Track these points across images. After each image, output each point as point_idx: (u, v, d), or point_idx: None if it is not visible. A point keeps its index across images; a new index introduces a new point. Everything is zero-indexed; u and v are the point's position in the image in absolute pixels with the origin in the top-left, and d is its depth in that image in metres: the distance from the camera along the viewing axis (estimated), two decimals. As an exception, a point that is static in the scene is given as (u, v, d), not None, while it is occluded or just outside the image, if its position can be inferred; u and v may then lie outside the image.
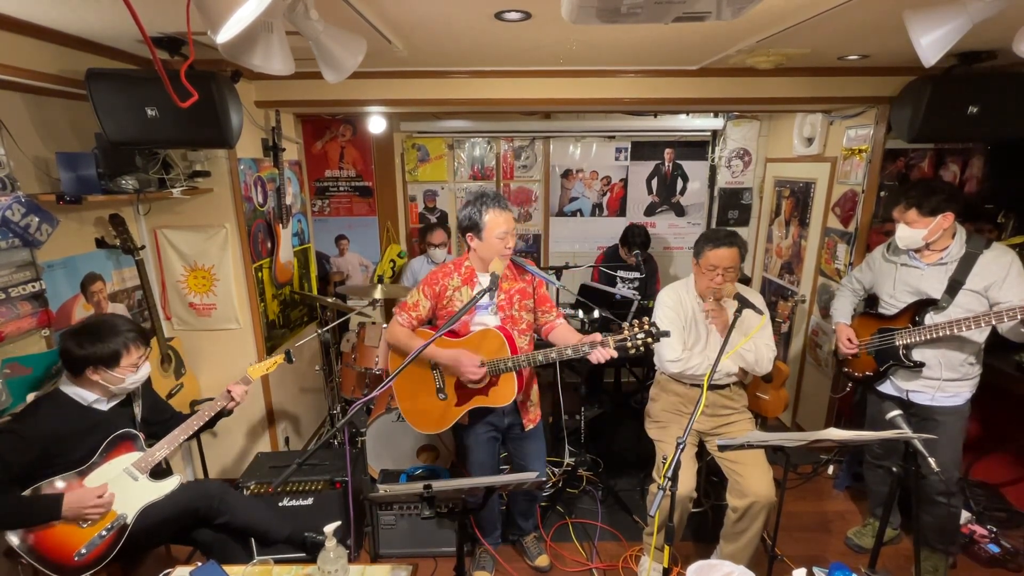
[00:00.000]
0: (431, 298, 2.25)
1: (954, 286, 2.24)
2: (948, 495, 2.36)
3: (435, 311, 2.28)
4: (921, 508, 2.47)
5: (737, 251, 2.31)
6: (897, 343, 2.35)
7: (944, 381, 2.31)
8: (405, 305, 2.26)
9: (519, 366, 2.17)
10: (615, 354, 2.06)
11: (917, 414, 2.40)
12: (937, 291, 2.28)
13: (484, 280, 2.20)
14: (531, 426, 2.42)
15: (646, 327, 2.05)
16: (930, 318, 2.29)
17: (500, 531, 2.74)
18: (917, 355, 2.33)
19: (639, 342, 2.04)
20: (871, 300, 2.61)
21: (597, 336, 2.08)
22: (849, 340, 2.54)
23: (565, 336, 2.32)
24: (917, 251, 2.34)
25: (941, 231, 2.25)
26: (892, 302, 2.43)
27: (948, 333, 2.21)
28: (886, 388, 2.48)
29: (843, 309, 2.65)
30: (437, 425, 2.33)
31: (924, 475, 2.34)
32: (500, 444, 2.49)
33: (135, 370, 1.99)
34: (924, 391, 2.36)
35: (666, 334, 2.07)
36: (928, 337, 2.26)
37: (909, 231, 2.28)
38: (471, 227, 2.18)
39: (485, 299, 2.18)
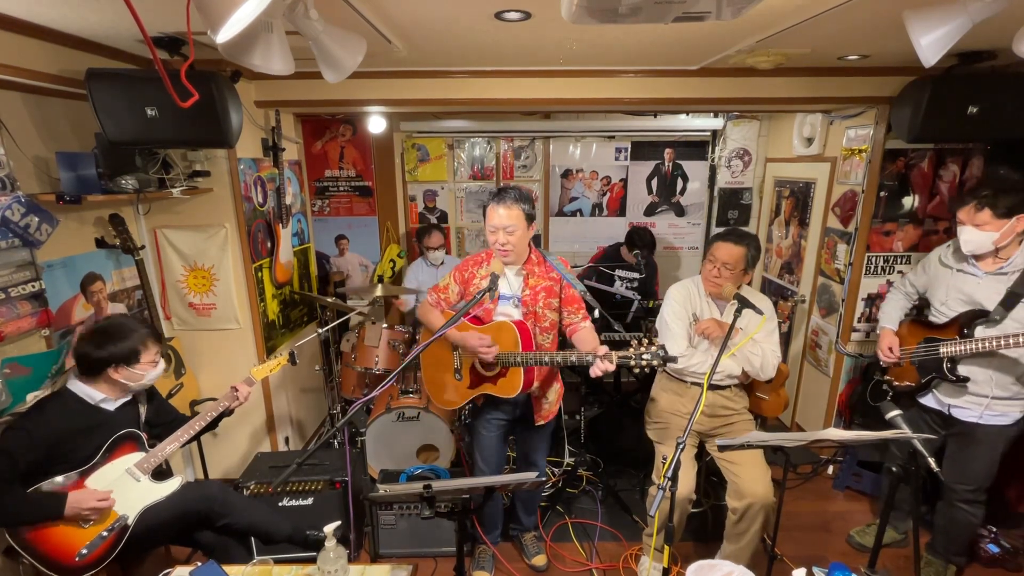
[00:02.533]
0: (459, 283, 2.33)
1: (1011, 299, 2.07)
2: (971, 503, 2.31)
3: (462, 296, 2.35)
4: (938, 512, 2.45)
5: (742, 251, 2.29)
6: (942, 355, 2.21)
7: (992, 399, 2.16)
8: (437, 287, 2.38)
9: (527, 363, 2.19)
10: (613, 368, 2.01)
11: (956, 427, 2.29)
12: (992, 302, 2.12)
13: (509, 273, 2.26)
14: (542, 422, 2.42)
15: (654, 348, 1.99)
16: (981, 331, 2.12)
17: (501, 529, 2.74)
18: (963, 370, 2.19)
19: (644, 363, 1.98)
20: (921, 307, 2.48)
21: (603, 348, 2.04)
22: (890, 349, 2.40)
23: (584, 340, 2.27)
24: (977, 258, 2.18)
25: (1014, 235, 2.08)
26: (943, 310, 2.28)
27: (997, 348, 2.05)
28: (927, 401, 2.36)
29: (890, 313, 2.51)
30: (450, 402, 2.41)
31: (947, 482, 2.30)
32: (509, 434, 2.51)
33: (154, 366, 2.03)
34: (969, 408, 2.22)
35: (673, 360, 2.02)
36: (975, 351, 2.10)
37: (979, 234, 2.10)
38: (484, 219, 2.26)
39: (507, 290, 2.25)
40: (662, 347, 2.00)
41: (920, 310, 2.52)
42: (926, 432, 2.28)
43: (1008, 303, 2.09)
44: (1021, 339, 1.99)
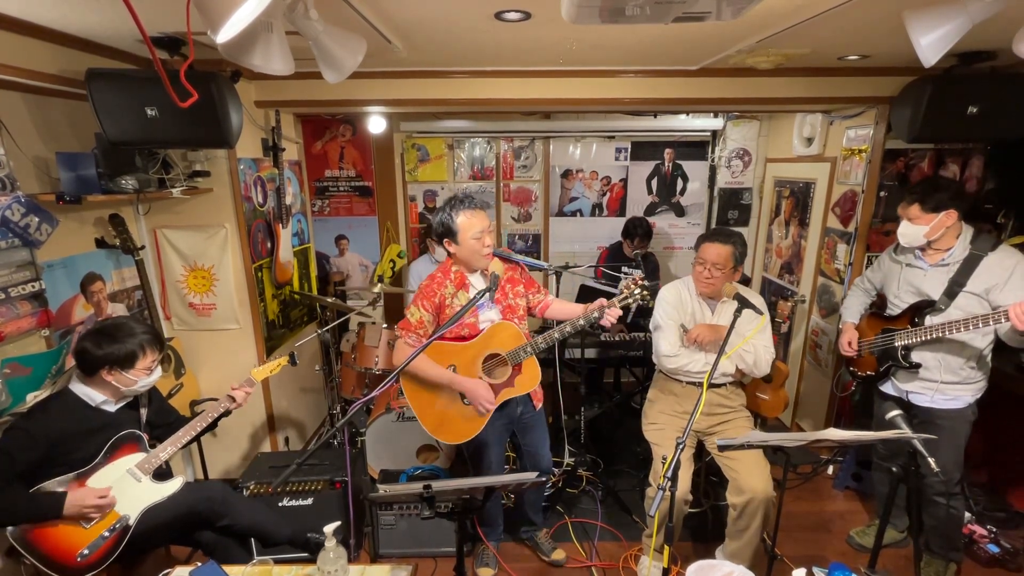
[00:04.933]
0: (432, 311, 2.22)
1: (953, 288, 2.21)
2: (947, 496, 2.35)
3: (438, 323, 2.24)
4: (922, 510, 2.48)
5: (729, 250, 2.33)
6: (896, 344, 2.35)
7: (943, 383, 2.29)
8: (408, 325, 2.21)
9: (537, 349, 2.20)
10: (620, 312, 2.16)
11: (918, 416, 2.38)
12: (937, 292, 2.25)
13: (476, 282, 2.25)
14: (539, 405, 2.46)
15: (640, 282, 2.15)
16: (929, 320, 2.26)
17: (502, 527, 2.75)
18: (916, 356, 2.31)
19: (638, 296, 2.14)
20: (882, 302, 2.59)
21: (602, 301, 2.17)
22: (849, 344, 2.54)
23: (564, 309, 2.38)
24: (922, 251, 2.32)
25: (944, 229, 2.22)
26: (896, 302, 2.42)
27: (943, 335, 2.20)
28: (887, 388, 2.48)
29: (852, 308, 2.64)
30: (467, 433, 2.28)
31: (923, 475, 2.35)
32: (508, 436, 2.52)
33: (148, 373, 2.01)
34: (922, 392, 2.34)
35: (655, 284, 2.20)
36: (924, 339, 2.24)
37: (911, 227, 2.27)
38: (446, 233, 2.18)
39: (484, 297, 2.20)
40: (644, 278, 2.18)
41: (883, 305, 2.60)
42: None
43: (951, 292, 2.23)
44: (957, 327, 2.14)
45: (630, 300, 2.15)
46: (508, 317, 2.28)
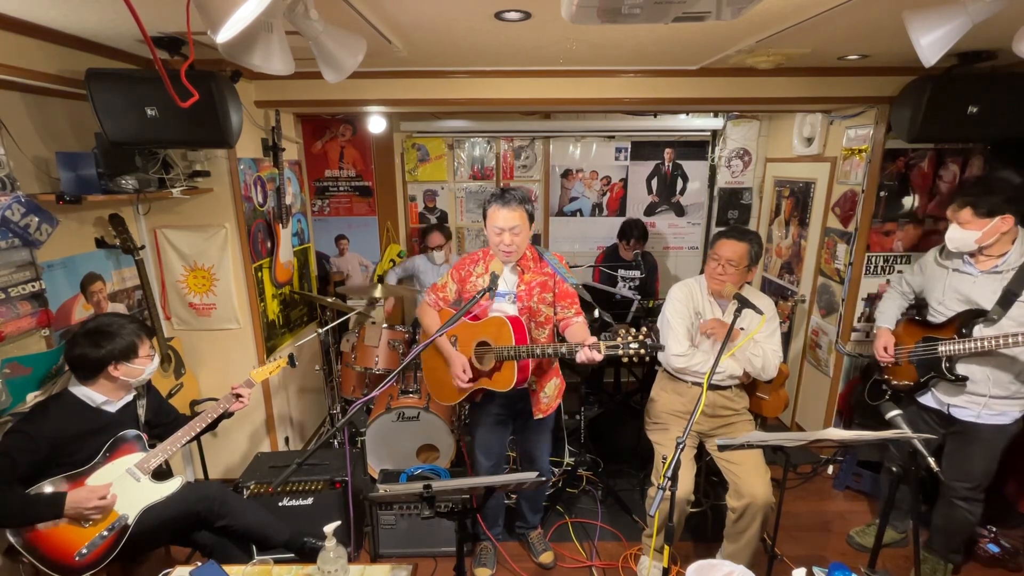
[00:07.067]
0: (457, 281, 2.37)
1: (1008, 297, 2.06)
2: (969, 501, 2.31)
3: (460, 294, 2.38)
4: (936, 510, 2.46)
5: (745, 247, 2.31)
6: (940, 354, 2.21)
7: (991, 398, 2.15)
8: (435, 286, 2.43)
9: (519, 356, 2.20)
10: (600, 357, 2.01)
11: (957, 428, 2.28)
12: (989, 301, 2.11)
13: (505, 274, 2.27)
14: (540, 416, 2.42)
15: (640, 337, 1.97)
16: (979, 330, 2.12)
17: (503, 525, 2.74)
18: (962, 369, 2.18)
19: (631, 351, 1.97)
20: (920, 306, 2.47)
21: (591, 339, 2.06)
22: (885, 349, 2.41)
23: (574, 335, 2.27)
24: (971, 256, 2.17)
25: (998, 235, 2.07)
26: (941, 309, 2.27)
27: (995, 347, 2.05)
28: (927, 400, 2.36)
29: (888, 312, 2.50)
30: (451, 397, 2.43)
31: (946, 480, 2.30)
32: (510, 430, 2.53)
33: (151, 359, 2.05)
34: (968, 407, 2.21)
35: (661, 348, 2.01)
36: (974, 350, 2.10)
37: (961, 232, 2.12)
38: (484, 218, 2.27)
39: (503, 287, 2.26)
40: (649, 335, 1.96)
41: (918, 309, 2.51)
42: (925, 431, 2.26)
43: (1005, 302, 2.08)
44: (1020, 338, 1.98)
45: (619, 351, 1.97)
46: (525, 318, 2.27)
